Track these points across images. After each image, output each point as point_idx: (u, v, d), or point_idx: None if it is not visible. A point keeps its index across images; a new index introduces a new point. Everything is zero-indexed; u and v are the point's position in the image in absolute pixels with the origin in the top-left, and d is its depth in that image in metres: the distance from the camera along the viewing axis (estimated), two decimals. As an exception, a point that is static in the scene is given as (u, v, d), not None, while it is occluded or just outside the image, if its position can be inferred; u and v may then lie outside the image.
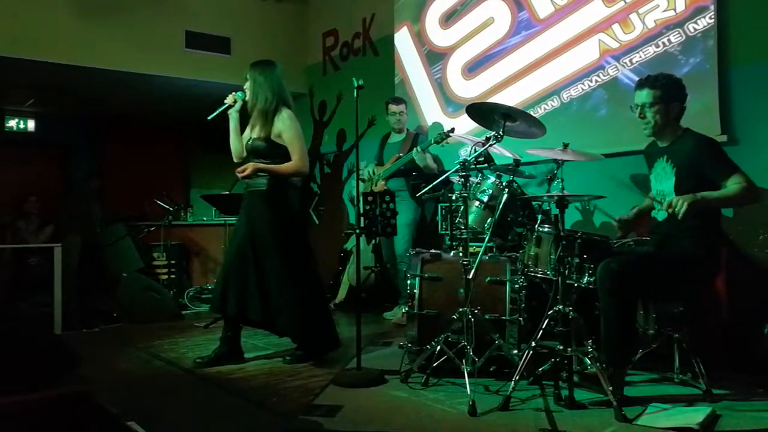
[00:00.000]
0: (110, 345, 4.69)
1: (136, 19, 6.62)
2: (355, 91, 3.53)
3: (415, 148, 5.08)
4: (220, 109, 3.93)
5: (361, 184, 5.33)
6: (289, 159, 3.80)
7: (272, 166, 3.79)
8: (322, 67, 7.54)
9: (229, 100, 3.95)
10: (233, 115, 3.98)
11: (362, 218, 3.54)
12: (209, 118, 3.90)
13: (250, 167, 3.79)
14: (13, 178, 8.47)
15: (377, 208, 3.54)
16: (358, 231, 3.55)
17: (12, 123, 8.76)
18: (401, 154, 5.26)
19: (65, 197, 8.67)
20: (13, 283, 6.11)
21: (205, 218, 7.56)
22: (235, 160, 4.03)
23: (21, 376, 2.48)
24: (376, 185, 5.33)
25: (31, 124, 8.88)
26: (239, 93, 3.95)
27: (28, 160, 8.87)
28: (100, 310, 5.60)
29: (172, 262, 6.86)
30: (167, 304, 5.79)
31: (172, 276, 6.77)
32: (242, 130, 4.04)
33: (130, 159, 9.17)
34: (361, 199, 3.56)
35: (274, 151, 3.80)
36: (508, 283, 3.48)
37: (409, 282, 3.62)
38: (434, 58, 5.87)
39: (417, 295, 3.57)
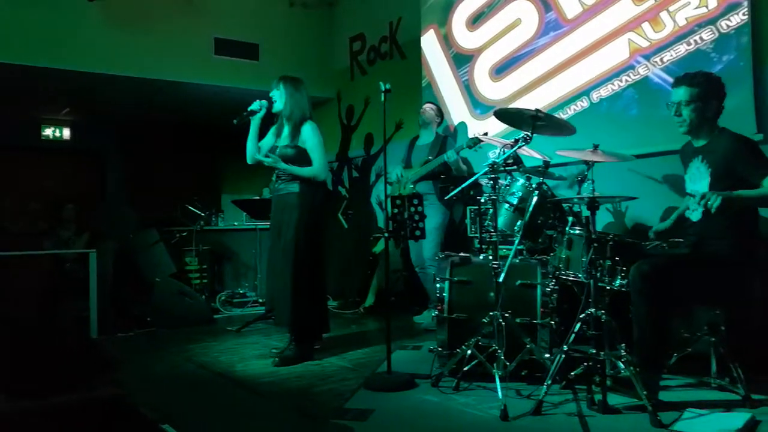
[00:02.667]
0: (144, 349, 4.75)
1: (166, 28, 6.72)
2: (383, 95, 3.53)
3: (450, 151, 5.06)
4: (245, 114, 4.18)
5: (389, 187, 5.33)
6: (309, 163, 4.11)
7: (294, 168, 4.09)
8: (350, 72, 7.55)
9: (254, 107, 4.17)
10: (255, 121, 4.20)
11: (390, 222, 3.54)
12: (234, 122, 4.17)
13: (275, 158, 4.09)
14: (50, 185, 8.65)
15: (405, 211, 3.53)
16: (386, 235, 3.55)
17: (48, 131, 8.95)
18: (431, 158, 5.23)
19: (100, 203, 8.83)
20: (51, 288, 6.21)
21: (236, 223, 7.62)
22: (248, 162, 4.28)
23: (59, 378, 2.52)
24: (404, 188, 5.32)
25: (66, 132, 9.07)
26: (264, 101, 4.18)
27: (64, 168, 9.06)
28: (134, 315, 5.67)
29: (204, 266, 6.92)
30: (200, 308, 5.85)
31: (204, 280, 6.83)
32: (260, 136, 4.29)
33: (162, 165, 9.29)
34: (389, 202, 3.55)
35: (300, 157, 4.10)
36: (539, 286, 3.45)
37: (438, 285, 3.61)
38: (461, 60, 5.84)
39: (446, 299, 3.55)
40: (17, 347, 2.69)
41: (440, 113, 5.56)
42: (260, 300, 6.68)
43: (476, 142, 4.84)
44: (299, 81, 4.23)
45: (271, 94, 4.18)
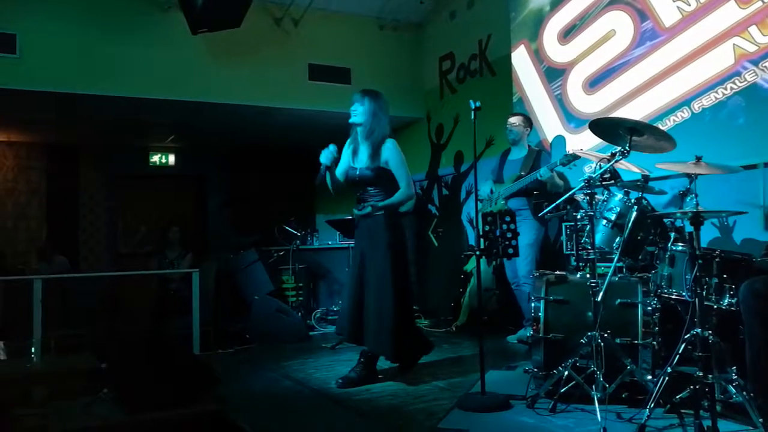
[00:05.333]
0: (243, 365, 4.90)
1: (263, 56, 6.99)
2: (473, 112, 3.52)
3: (543, 168, 4.92)
4: (322, 171, 4.10)
5: (480, 204, 5.27)
6: (392, 182, 4.03)
7: (388, 202, 4.00)
8: (439, 91, 7.58)
9: (326, 161, 4.05)
10: (332, 169, 4.13)
11: (482, 239, 3.50)
12: (317, 182, 4.16)
13: (370, 208, 4.01)
14: (158, 209, 9.18)
15: (497, 228, 3.48)
16: (477, 252, 3.51)
17: (156, 158, 9.50)
18: (523, 173, 5.13)
19: (202, 225, 9.24)
20: (158, 307, 6.53)
21: (330, 242, 7.77)
22: (333, 194, 4.25)
23: (165, 393, 2.64)
24: (495, 204, 5.24)
25: (171, 159, 9.59)
26: (332, 147, 4.06)
27: (170, 192, 9.59)
28: (234, 332, 5.87)
29: (300, 284, 7.08)
30: (296, 325, 5.98)
31: (300, 298, 6.99)
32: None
33: (260, 187, 9.63)
34: (480, 219, 3.52)
35: (382, 178, 4.03)
36: (640, 305, 3.31)
37: (533, 305, 3.54)
38: (553, 74, 5.73)
39: (542, 319, 3.47)
40: (128, 362, 2.85)
41: (527, 122, 5.42)
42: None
43: (570, 159, 4.68)
44: (382, 98, 4.12)
45: (352, 109, 4.07)
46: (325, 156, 4.04)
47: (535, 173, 4.99)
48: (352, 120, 4.09)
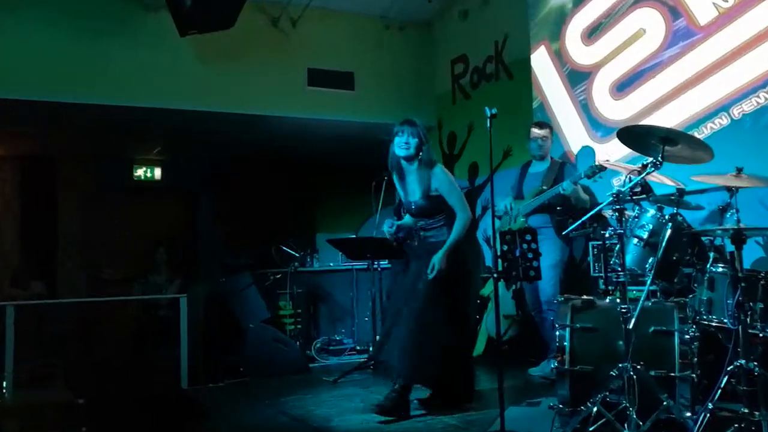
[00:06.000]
0: (236, 399, 4.88)
1: (258, 61, 7.05)
2: (488, 120, 3.53)
3: (565, 181, 4.90)
4: (395, 244, 4.45)
5: (497, 221, 5.26)
6: (445, 208, 4.20)
7: (450, 243, 4.10)
8: (451, 96, 7.60)
9: (389, 230, 4.36)
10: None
11: (500, 260, 3.49)
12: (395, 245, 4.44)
13: (438, 265, 4.05)
14: (142, 228, 9.13)
15: (517, 248, 3.48)
16: (495, 275, 3.49)
17: (140, 172, 9.56)
18: (545, 188, 5.11)
19: (191, 246, 9.26)
20: (142, 335, 6.54)
21: (331, 264, 7.76)
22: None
23: (147, 429, 2.63)
24: (515, 222, 5.22)
25: (157, 172, 9.64)
26: (393, 221, 4.38)
27: (156, 209, 9.57)
28: (226, 363, 5.85)
29: (299, 311, 7.06)
30: (294, 356, 5.95)
31: (299, 326, 6.97)
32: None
33: (255, 203, 9.62)
34: (497, 238, 3.51)
35: (436, 207, 4.21)
36: (676, 333, 3.28)
37: (557, 333, 3.52)
38: (577, 78, 5.74)
39: (567, 349, 3.45)
40: (109, 394, 2.84)
41: (551, 131, 5.41)
42: (357, 348, 6.73)
43: (596, 171, 4.67)
44: (419, 125, 4.29)
45: (400, 141, 4.18)
46: (390, 231, 4.35)
47: (557, 187, 4.96)
48: (403, 153, 4.22)
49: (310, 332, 7.30)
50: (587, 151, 5.58)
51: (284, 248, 7.23)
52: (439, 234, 4.21)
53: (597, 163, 4.72)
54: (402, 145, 4.17)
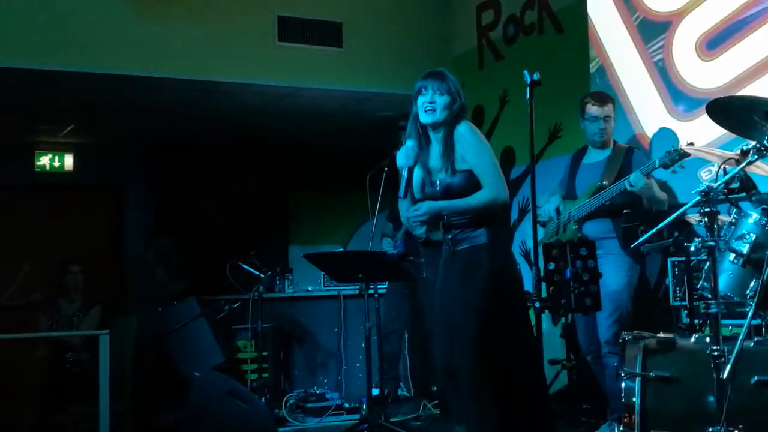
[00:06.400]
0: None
1: (213, 8, 7.02)
2: (528, 89, 3.51)
3: (634, 173, 4.89)
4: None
5: (540, 229, 5.25)
6: None
7: (456, 203, 4.02)
8: (477, 57, 7.61)
9: (410, 161, 4.18)
10: (404, 174, 4.21)
11: (544, 284, 3.48)
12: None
13: (424, 207, 4.04)
14: (48, 238, 9.10)
15: (567, 267, 3.47)
16: (538, 304, 3.48)
17: (44, 160, 9.54)
18: (606, 183, 5.11)
19: (115, 262, 9.22)
20: (49, 387, 6.51)
21: (310, 288, 7.76)
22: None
23: None
24: (564, 231, 5.22)
25: (68, 161, 9.63)
26: (410, 142, 4.20)
27: (66, 211, 9.55)
28: (163, 426, 5.83)
29: (265, 353, 7.05)
30: (258, 417, 5.92)
31: (265, 374, 6.96)
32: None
33: (205, 203, 9.60)
34: (541, 253, 3.50)
35: (469, 186, 4.04)
36: (789, 385, 3.26)
37: (623, 385, 3.53)
38: (652, 30, 5.74)
39: (638, 407, 3.46)
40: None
41: (614, 106, 5.37)
42: (346, 405, 6.71)
43: (677, 158, 4.65)
44: (462, 88, 4.22)
45: (425, 101, 4.10)
46: (404, 157, 4.17)
47: (622, 182, 4.94)
48: (429, 119, 4.12)
49: (281, 384, 7.29)
50: (666, 134, 5.55)
51: (244, 266, 7.21)
52: (472, 236, 4.05)
53: (678, 148, 4.69)
54: (426, 106, 4.08)
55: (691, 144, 4.67)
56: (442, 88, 4.08)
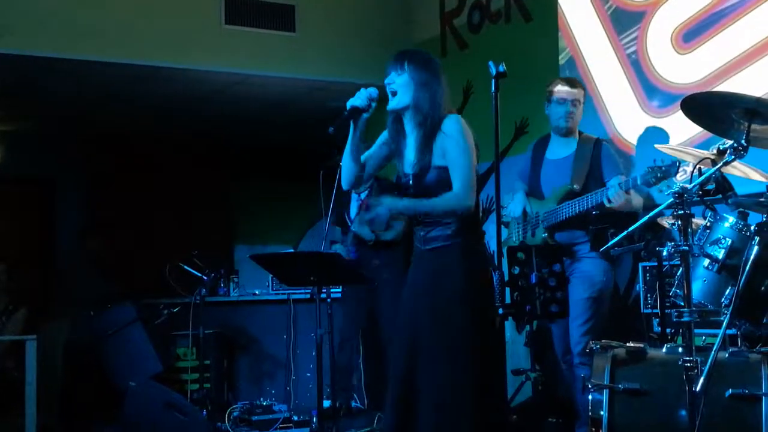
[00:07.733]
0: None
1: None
2: (493, 81, 3.53)
3: (611, 188, 4.73)
4: (346, 116, 3.98)
5: (504, 230, 5.26)
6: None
7: (420, 203, 3.92)
8: (440, 45, 7.62)
9: (359, 103, 3.96)
10: (360, 124, 4.02)
11: (507, 289, 3.50)
12: (331, 130, 3.98)
13: (385, 204, 4.02)
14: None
15: (533, 272, 3.49)
16: (501, 311, 3.51)
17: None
18: (577, 187, 5.02)
19: (44, 263, 9.11)
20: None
21: (257, 291, 7.73)
22: (345, 188, 4.23)
23: None
24: (533, 236, 5.23)
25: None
26: (372, 90, 3.96)
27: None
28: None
29: (207, 362, 7.02)
30: (198, 430, 5.91)
31: (206, 384, 6.93)
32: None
33: (142, 199, 9.55)
34: (505, 256, 3.52)
35: (443, 183, 3.93)
36: (764, 398, 3.32)
37: (590, 397, 3.54)
38: (625, 20, 5.80)
39: (605, 420, 3.48)
40: None
41: (584, 94, 5.31)
42: (295, 418, 6.70)
43: (664, 174, 4.38)
44: (434, 62, 4.05)
45: (386, 83, 3.97)
46: (363, 96, 3.95)
47: (598, 195, 4.82)
48: (390, 105, 3.99)
49: (224, 395, 7.26)
50: (654, 135, 5.52)
51: (185, 266, 7.17)
52: (446, 232, 3.91)
53: (662, 165, 4.42)
54: (388, 88, 3.94)
55: (678, 164, 4.51)
56: (401, 67, 3.91)
